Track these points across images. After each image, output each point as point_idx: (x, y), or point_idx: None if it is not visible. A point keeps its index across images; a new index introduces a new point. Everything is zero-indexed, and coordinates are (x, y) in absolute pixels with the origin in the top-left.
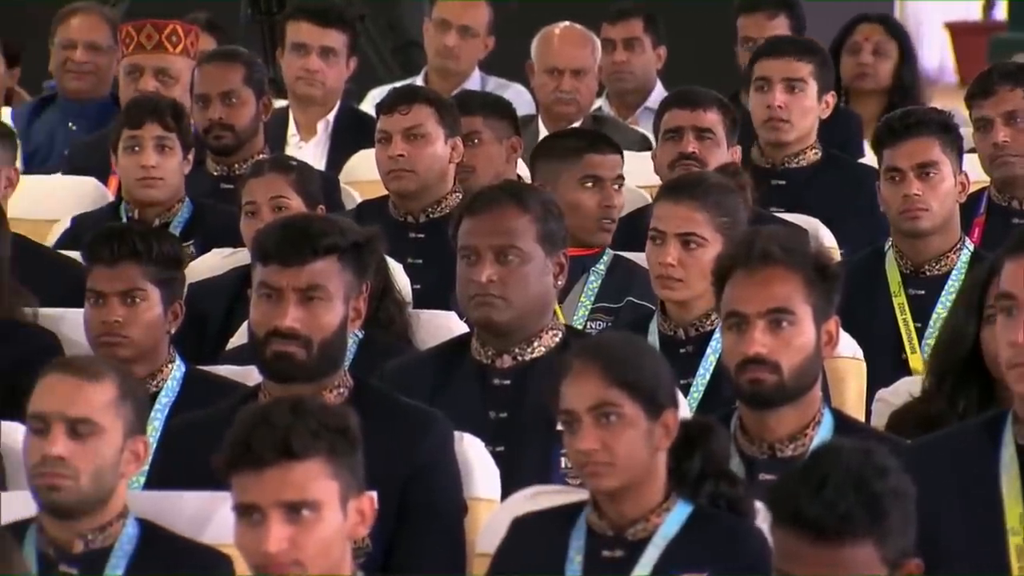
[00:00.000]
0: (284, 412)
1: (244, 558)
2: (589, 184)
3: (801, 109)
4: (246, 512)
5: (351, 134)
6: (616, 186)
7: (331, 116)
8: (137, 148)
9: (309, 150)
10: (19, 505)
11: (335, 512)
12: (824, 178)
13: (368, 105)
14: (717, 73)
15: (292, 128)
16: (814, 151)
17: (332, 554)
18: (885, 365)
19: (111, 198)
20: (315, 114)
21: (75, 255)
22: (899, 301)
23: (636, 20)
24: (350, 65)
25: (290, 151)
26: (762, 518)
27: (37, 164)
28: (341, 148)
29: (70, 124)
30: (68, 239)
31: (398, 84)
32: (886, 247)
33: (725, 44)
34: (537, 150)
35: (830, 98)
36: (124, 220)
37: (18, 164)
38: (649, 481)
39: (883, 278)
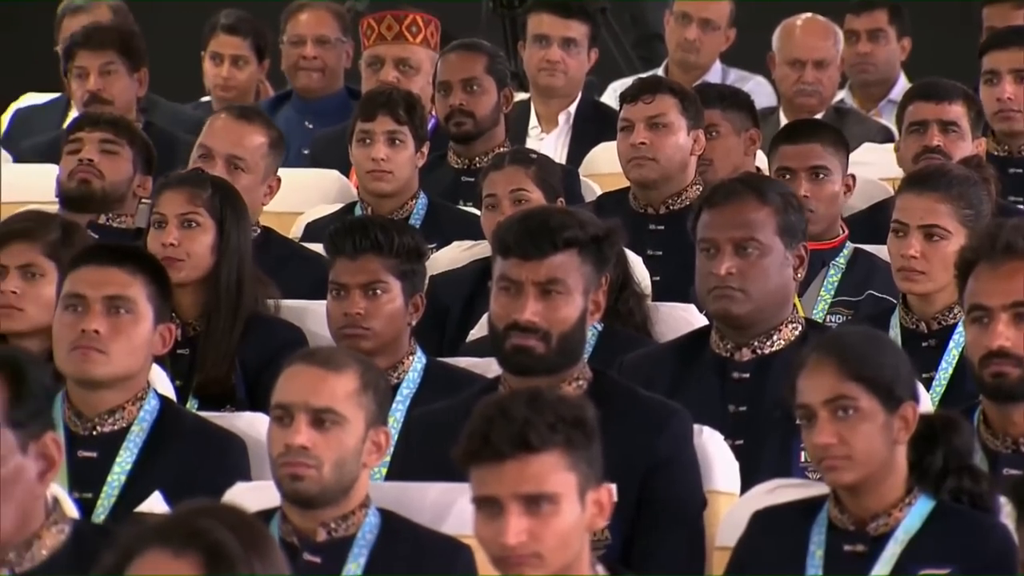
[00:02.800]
0: (521, 405)
1: (484, 550)
2: (787, 176)
3: None
4: (485, 504)
5: (592, 126)
6: (818, 175)
7: (572, 108)
8: (368, 141)
9: (550, 142)
10: (263, 495)
11: (573, 504)
12: None
13: (609, 97)
14: (961, 64)
15: (533, 120)
16: None
17: (571, 546)
18: None
19: (354, 191)
20: (556, 106)
21: (318, 247)
22: None
23: (881, 11)
24: (591, 57)
25: (531, 143)
26: (1006, 514)
27: None
28: (582, 140)
29: (307, 123)
30: (311, 234)
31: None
32: None
33: (970, 35)
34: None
35: None
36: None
37: None
38: (889, 475)
39: None
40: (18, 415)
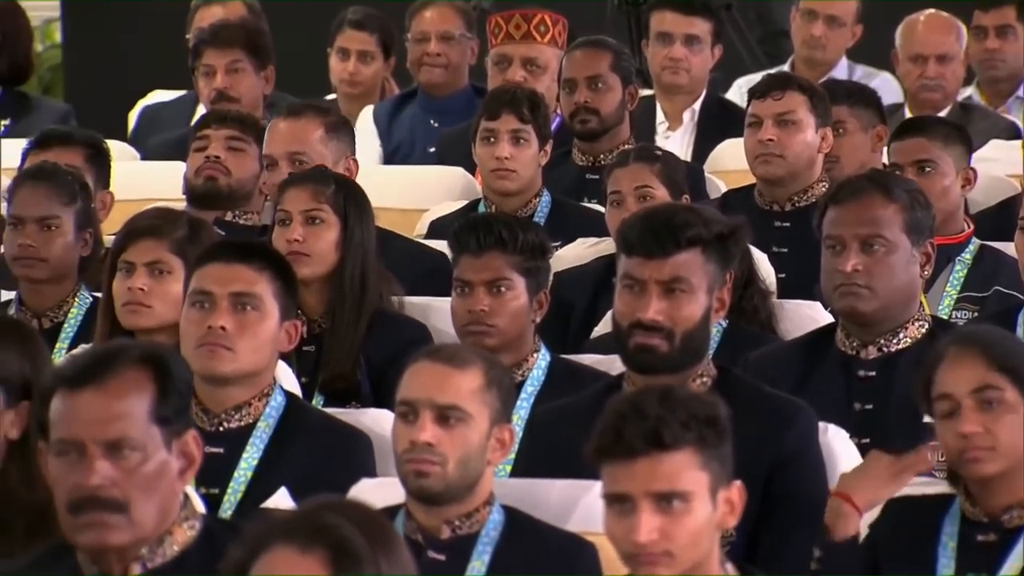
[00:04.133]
0: (654, 402)
1: (614, 547)
2: (896, 172)
3: None
4: (616, 501)
5: (717, 123)
6: (924, 169)
7: (696, 106)
8: (492, 139)
9: (676, 139)
10: (388, 491)
11: (705, 502)
12: None
13: (734, 94)
14: None
15: (660, 117)
16: None
17: (702, 544)
18: None
19: (478, 188)
20: (681, 103)
21: (439, 244)
22: None
23: (1009, 7)
24: (715, 53)
25: (658, 140)
26: None
27: (399, 162)
28: (707, 137)
29: (432, 122)
30: (436, 231)
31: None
32: None
33: None
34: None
35: None
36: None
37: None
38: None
39: None
40: (164, 411)
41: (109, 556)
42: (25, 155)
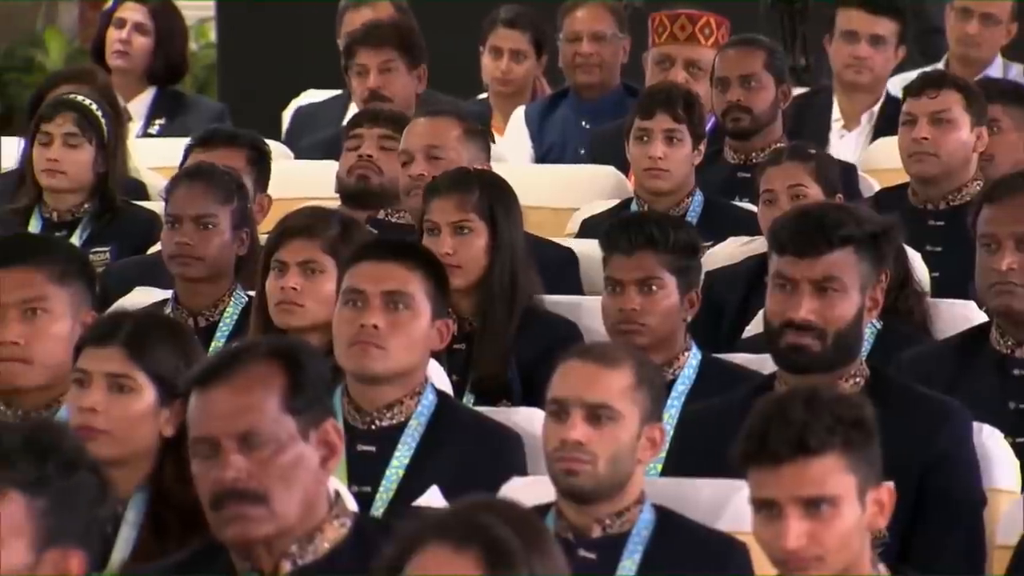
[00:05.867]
0: (799, 407)
1: (764, 551)
2: None
3: None
4: (763, 507)
5: (894, 125)
6: None
7: (876, 107)
8: (646, 139)
9: (851, 139)
10: (539, 490)
11: (853, 505)
12: None
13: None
14: None
15: (836, 114)
16: None
17: (852, 547)
18: None
19: (630, 188)
20: (860, 103)
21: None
22: None
23: None
24: (898, 54)
25: (832, 138)
26: None
27: (551, 162)
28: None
29: (583, 123)
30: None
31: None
32: None
33: None
34: None
35: None
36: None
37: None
38: None
39: None
40: (297, 402)
41: (258, 551)
42: (188, 152)
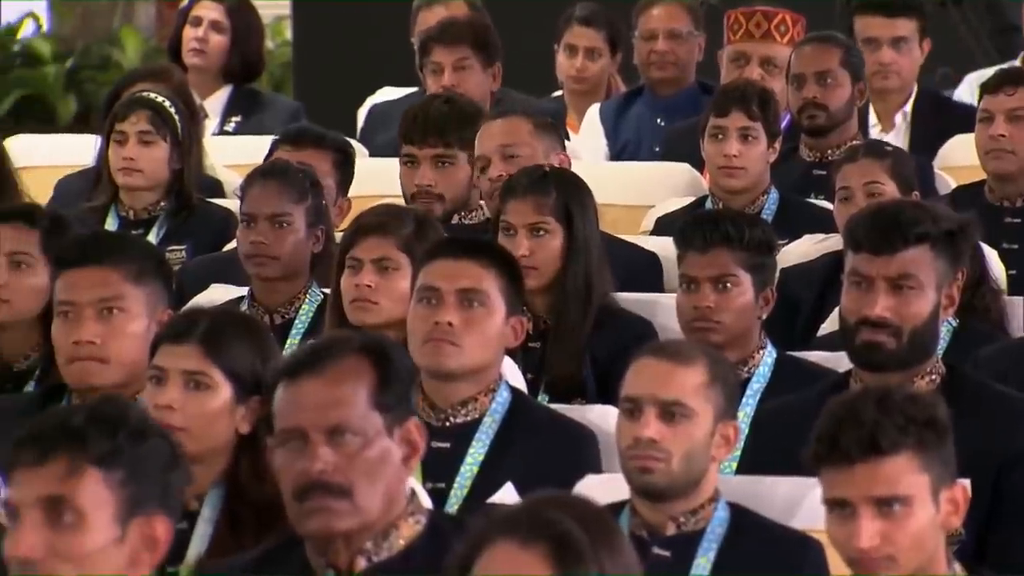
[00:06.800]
0: (870, 407)
1: (837, 550)
2: None
3: None
4: (836, 506)
5: (932, 122)
6: None
7: (908, 107)
8: (721, 136)
9: (889, 140)
10: (614, 488)
11: (926, 505)
12: None
13: (965, 90)
14: None
15: (872, 119)
16: None
17: (926, 547)
18: None
19: (705, 185)
20: (893, 104)
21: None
22: None
23: None
24: (924, 48)
25: None
26: None
27: (626, 159)
28: (922, 137)
29: (658, 120)
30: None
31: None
32: None
33: None
34: None
35: None
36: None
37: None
38: None
39: None
40: (384, 399)
41: (336, 546)
42: (274, 147)
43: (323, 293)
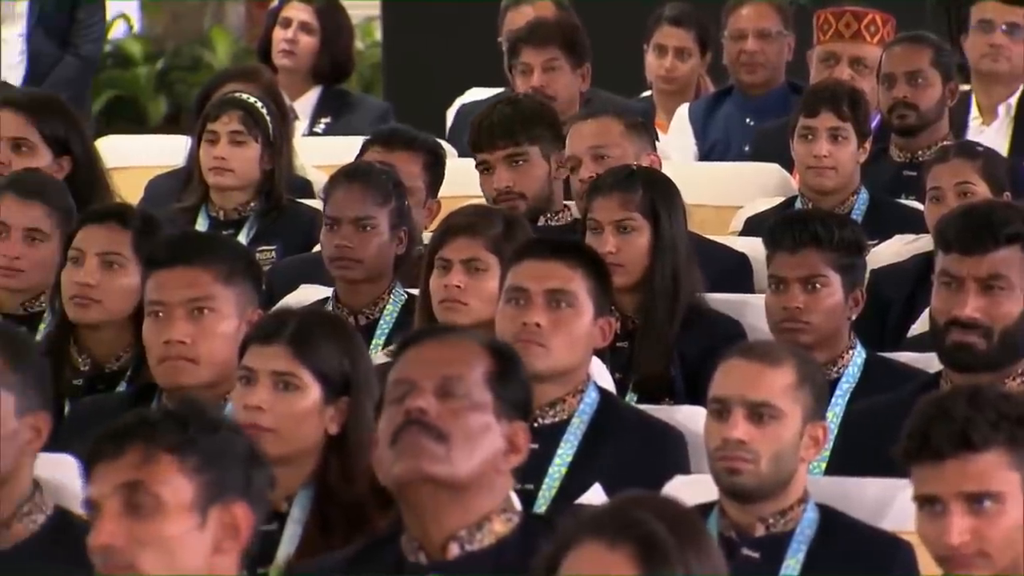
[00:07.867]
0: (962, 403)
1: (927, 548)
2: None
3: None
4: (927, 503)
5: None
6: None
7: (1012, 99)
8: (811, 136)
9: (990, 134)
10: (702, 488)
11: (1018, 502)
12: None
13: None
14: None
15: (974, 111)
16: None
17: (1017, 544)
18: None
19: (794, 186)
20: (997, 95)
21: (753, 241)
22: None
23: None
24: None
25: (971, 135)
26: None
27: (714, 160)
28: (1023, 130)
29: (747, 120)
30: (751, 228)
31: None
32: None
33: None
34: None
35: None
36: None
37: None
38: None
39: None
40: (500, 389)
41: (427, 525)
42: (365, 148)
43: (407, 293)
